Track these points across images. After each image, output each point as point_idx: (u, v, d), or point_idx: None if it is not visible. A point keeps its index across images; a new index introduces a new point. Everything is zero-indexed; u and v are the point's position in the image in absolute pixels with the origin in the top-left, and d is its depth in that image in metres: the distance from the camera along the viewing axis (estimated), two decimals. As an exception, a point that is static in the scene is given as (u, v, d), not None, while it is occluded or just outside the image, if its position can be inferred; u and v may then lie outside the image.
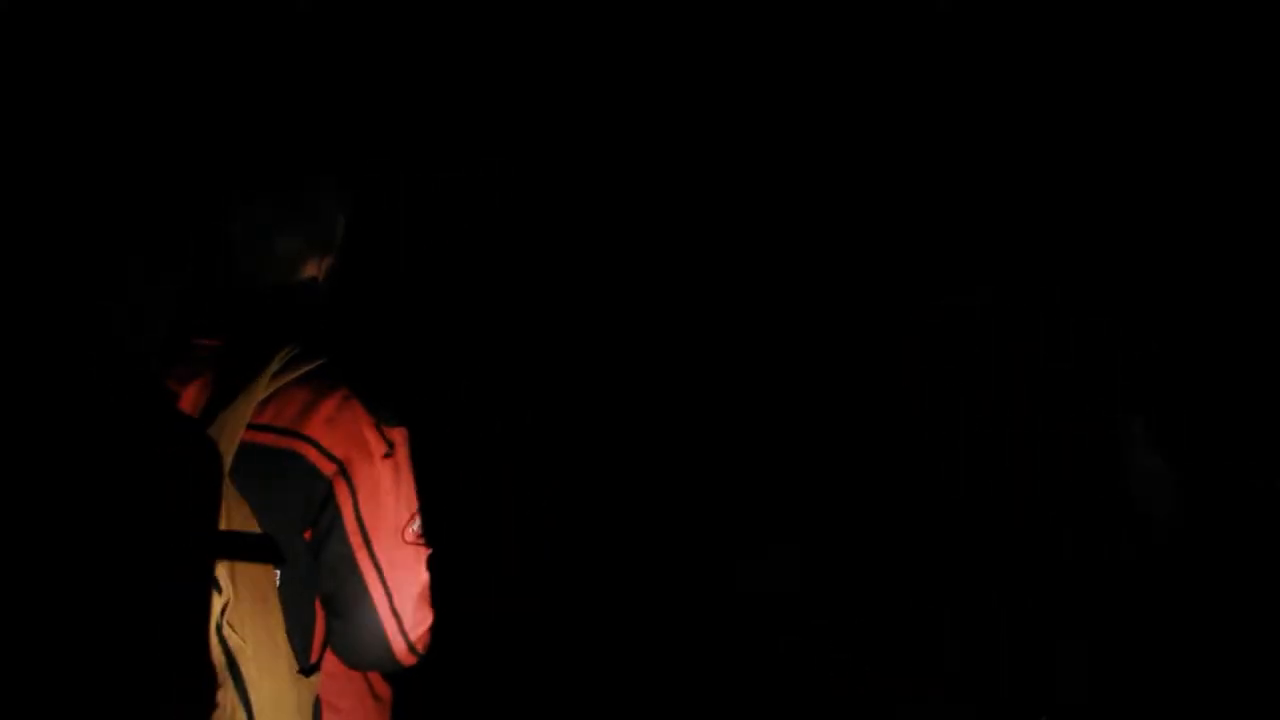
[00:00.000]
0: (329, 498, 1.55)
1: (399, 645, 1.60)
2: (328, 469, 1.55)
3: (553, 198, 3.76)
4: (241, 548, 1.50)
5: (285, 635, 1.54)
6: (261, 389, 1.55)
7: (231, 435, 1.53)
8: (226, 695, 1.50)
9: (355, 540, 1.56)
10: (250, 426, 1.54)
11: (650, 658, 3.28)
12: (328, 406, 1.56)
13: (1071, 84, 3.25)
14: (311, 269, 1.68)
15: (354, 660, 1.62)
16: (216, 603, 1.48)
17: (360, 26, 3.41)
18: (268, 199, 1.64)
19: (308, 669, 1.57)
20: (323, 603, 1.60)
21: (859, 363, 3.59)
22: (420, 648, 1.63)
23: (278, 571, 1.54)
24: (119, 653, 1.21)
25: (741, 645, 3.28)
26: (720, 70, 3.64)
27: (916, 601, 3.22)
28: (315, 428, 1.55)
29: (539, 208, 3.75)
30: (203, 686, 1.24)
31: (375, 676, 1.70)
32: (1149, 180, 3.18)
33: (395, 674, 1.72)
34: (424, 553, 1.62)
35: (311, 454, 1.55)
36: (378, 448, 1.57)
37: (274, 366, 1.56)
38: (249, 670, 1.50)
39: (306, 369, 1.57)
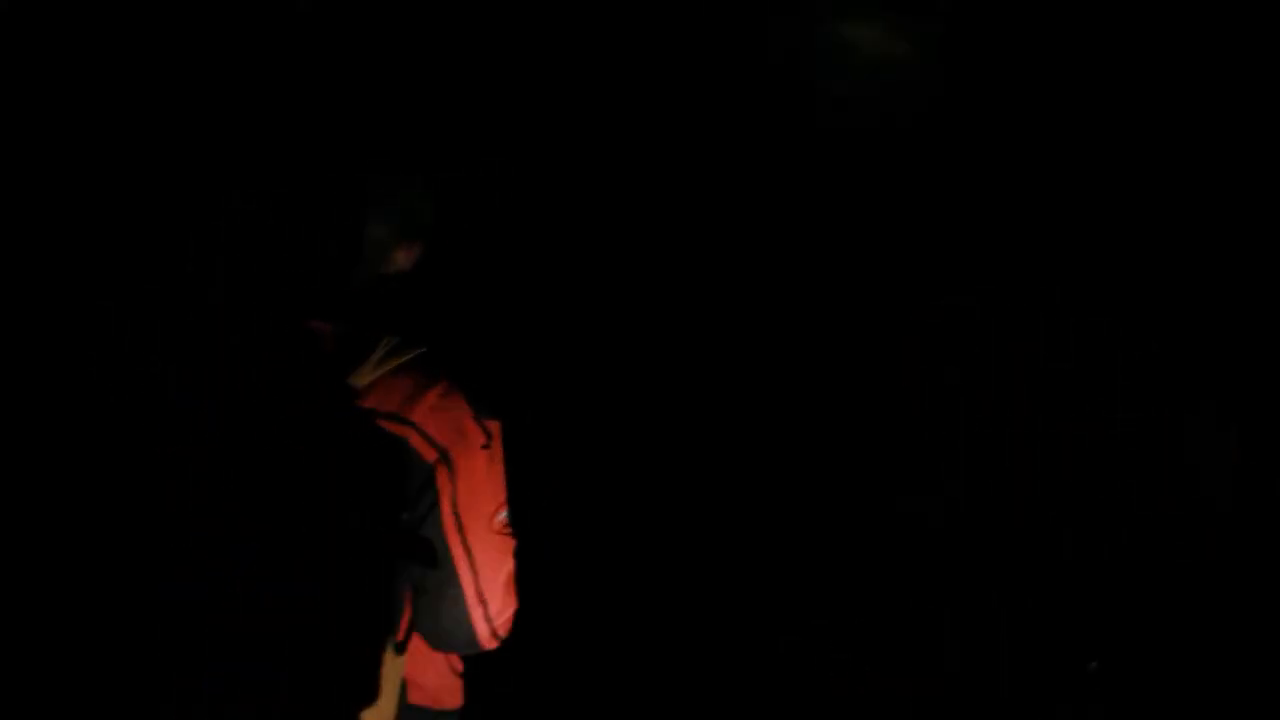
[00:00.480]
0: (429, 483, 1.60)
1: (483, 630, 1.66)
2: (430, 455, 1.60)
3: (553, 198, 3.75)
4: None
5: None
6: (367, 376, 1.61)
7: None
8: None
9: (450, 526, 1.61)
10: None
11: (651, 657, 3.29)
12: (432, 396, 1.62)
13: (1069, 83, 3.26)
14: (401, 257, 1.73)
15: (439, 642, 1.68)
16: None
17: (360, 27, 3.41)
18: (357, 187, 1.70)
19: (397, 647, 1.63)
20: (413, 584, 1.64)
21: (858, 362, 3.59)
22: (503, 633, 1.69)
23: None
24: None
25: (742, 645, 3.29)
26: (719, 72, 3.65)
27: (916, 601, 3.23)
28: (420, 415, 1.61)
29: (539, 208, 3.75)
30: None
31: (454, 655, 1.77)
32: (1148, 178, 3.19)
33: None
34: (511, 542, 1.69)
35: (415, 439, 1.60)
36: (477, 438, 1.63)
37: (378, 354, 1.63)
38: None
39: (407, 358, 1.64)
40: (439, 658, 1.73)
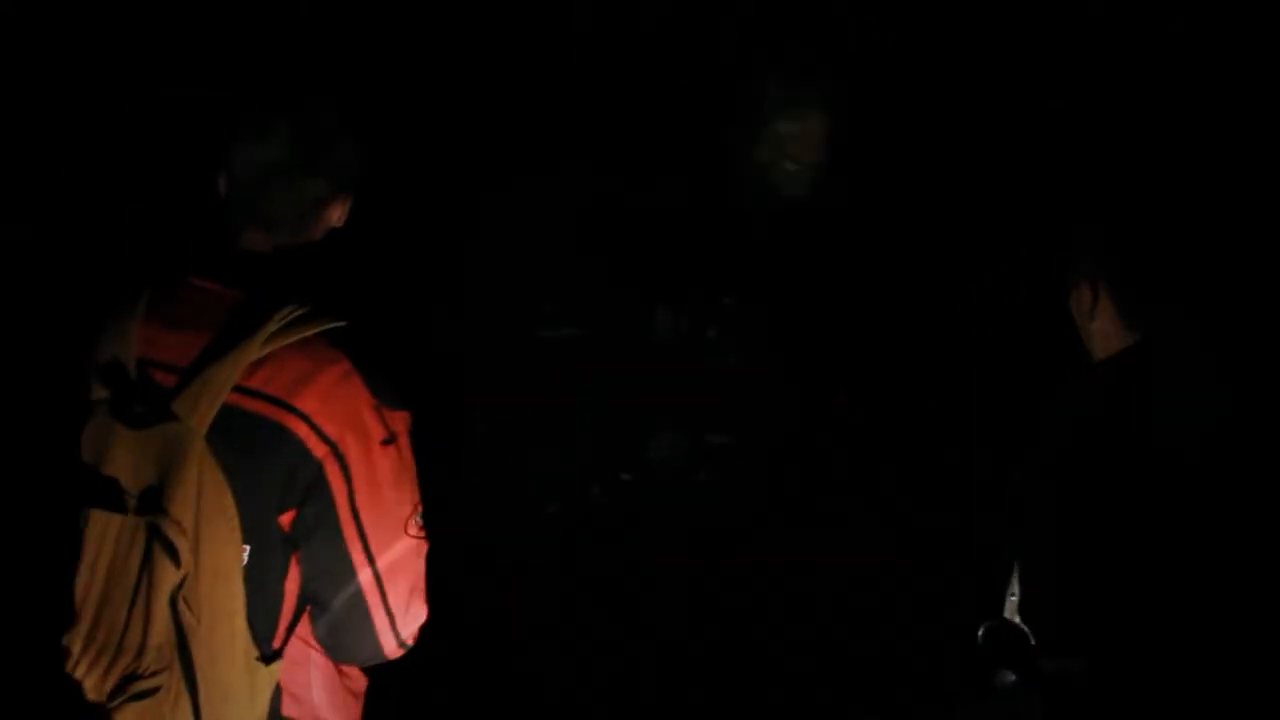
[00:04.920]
0: (318, 481, 1.41)
1: (389, 642, 1.50)
2: (319, 450, 1.41)
3: (554, 197, 3.75)
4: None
5: (245, 619, 1.42)
6: (255, 349, 1.41)
7: (214, 394, 1.40)
8: (171, 678, 1.40)
9: (349, 533, 1.43)
10: (238, 389, 1.41)
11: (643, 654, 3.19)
12: (325, 379, 1.42)
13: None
14: (335, 214, 1.55)
15: (339, 655, 1.50)
16: (174, 576, 1.39)
17: (359, 27, 3.41)
18: (283, 133, 1.49)
19: (269, 655, 1.46)
20: (307, 593, 1.47)
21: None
22: (410, 643, 1.52)
23: (246, 550, 1.42)
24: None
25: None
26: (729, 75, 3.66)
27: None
28: (309, 401, 1.41)
29: (540, 207, 3.74)
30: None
31: (350, 668, 1.57)
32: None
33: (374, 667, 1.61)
34: (423, 547, 1.49)
35: (302, 430, 1.41)
36: (376, 432, 1.43)
37: (272, 326, 1.42)
38: (199, 654, 1.40)
39: (308, 333, 1.43)
40: (325, 667, 1.54)
